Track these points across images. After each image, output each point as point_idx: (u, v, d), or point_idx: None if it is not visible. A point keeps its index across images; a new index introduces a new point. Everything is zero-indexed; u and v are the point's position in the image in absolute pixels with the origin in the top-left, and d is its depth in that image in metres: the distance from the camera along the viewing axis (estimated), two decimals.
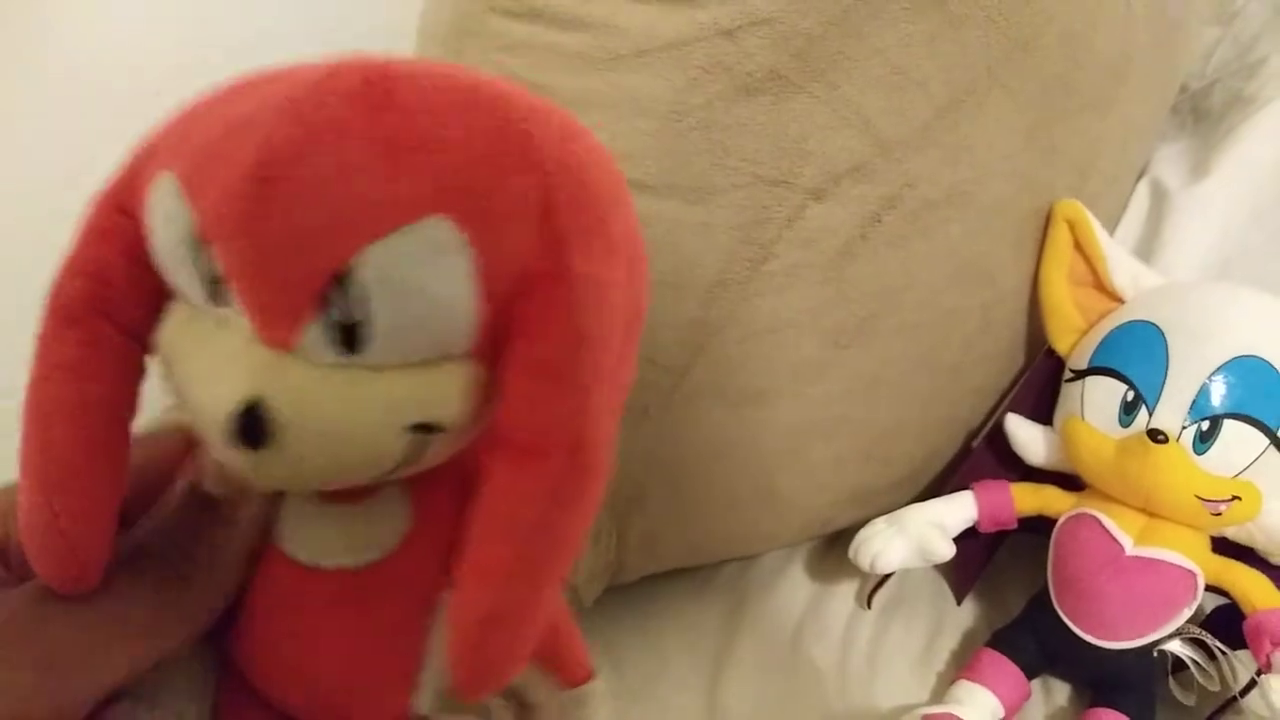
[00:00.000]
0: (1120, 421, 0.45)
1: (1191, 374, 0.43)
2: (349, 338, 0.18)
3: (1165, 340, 0.45)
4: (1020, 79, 0.46)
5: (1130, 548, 0.44)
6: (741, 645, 0.50)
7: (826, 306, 0.45)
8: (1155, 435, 0.43)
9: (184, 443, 0.23)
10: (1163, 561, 0.43)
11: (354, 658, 0.23)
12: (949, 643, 0.51)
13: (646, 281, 0.22)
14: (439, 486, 0.23)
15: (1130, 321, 0.47)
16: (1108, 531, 0.44)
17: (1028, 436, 0.49)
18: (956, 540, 0.48)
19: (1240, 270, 0.58)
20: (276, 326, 0.18)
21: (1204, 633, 0.43)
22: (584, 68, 0.41)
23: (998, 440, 0.50)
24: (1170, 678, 0.45)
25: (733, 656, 0.50)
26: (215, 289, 0.19)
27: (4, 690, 0.19)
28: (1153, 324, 0.46)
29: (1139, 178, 0.63)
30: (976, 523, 0.49)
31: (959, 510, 0.48)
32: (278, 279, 0.18)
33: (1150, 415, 0.44)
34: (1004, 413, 0.50)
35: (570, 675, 0.26)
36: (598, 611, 0.49)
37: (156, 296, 0.21)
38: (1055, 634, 0.45)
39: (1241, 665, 0.42)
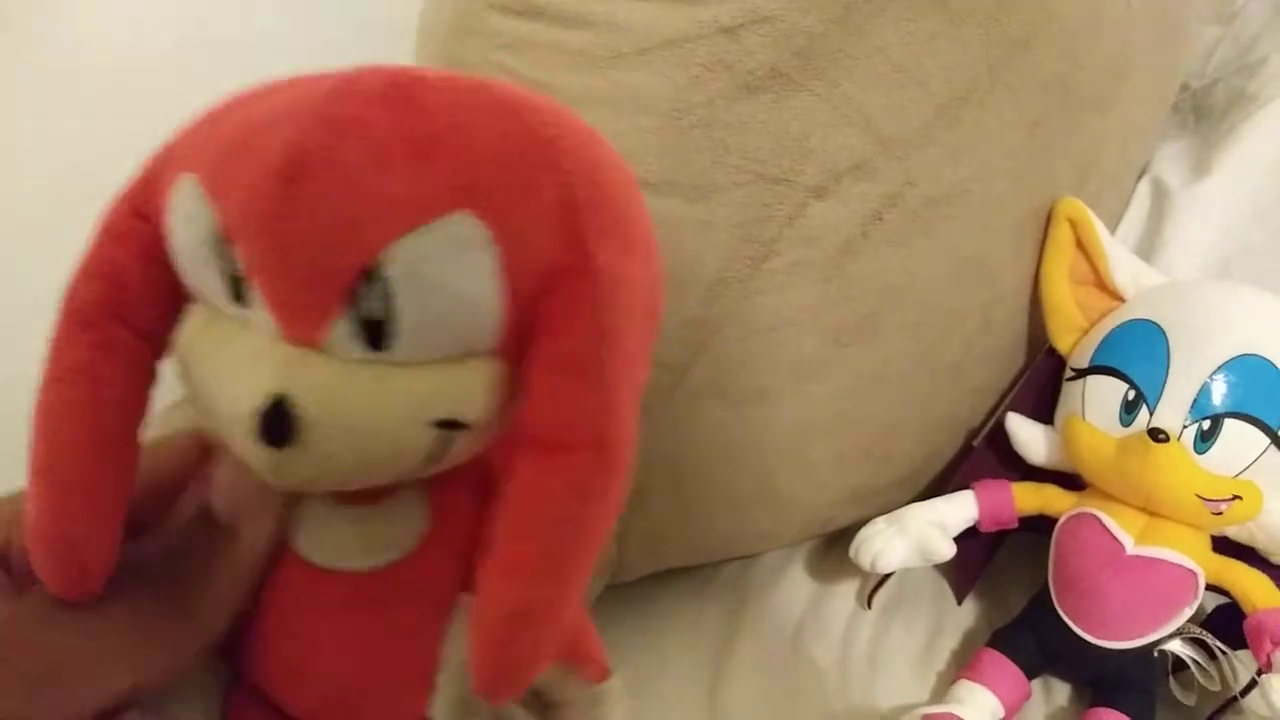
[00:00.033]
0: (1121, 420, 0.45)
1: (1192, 373, 0.43)
2: (375, 334, 0.18)
3: (1166, 339, 0.44)
4: (1021, 78, 0.46)
5: (1131, 547, 0.44)
6: (742, 645, 0.50)
7: (827, 304, 0.45)
8: (1156, 434, 0.42)
9: (194, 452, 0.23)
10: (1163, 561, 0.43)
11: (369, 660, 0.23)
12: (949, 642, 0.50)
13: (662, 280, 0.22)
14: (457, 488, 0.23)
15: (1131, 320, 0.47)
16: (1108, 531, 0.44)
17: (1028, 436, 0.49)
18: (957, 540, 0.47)
19: (1241, 269, 0.58)
20: (303, 323, 0.19)
21: (1204, 632, 0.43)
22: (585, 66, 0.40)
23: (998, 439, 0.50)
24: (1170, 677, 0.45)
25: (733, 656, 0.50)
26: (238, 289, 0.19)
27: None
28: (1154, 323, 0.46)
29: (1140, 176, 0.63)
30: (977, 522, 0.48)
31: (960, 509, 0.48)
32: (305, 275, 0.18)
33: (1151, 414, 0.44)
34: (1005, 412, 0.49)
35: (588, 673, 0.26)
36: (598, 611, 0.48)
37: (172, 300, 0.21)
38: (1056, 633, 0.45)
39: (1242, 665, 0.42)
